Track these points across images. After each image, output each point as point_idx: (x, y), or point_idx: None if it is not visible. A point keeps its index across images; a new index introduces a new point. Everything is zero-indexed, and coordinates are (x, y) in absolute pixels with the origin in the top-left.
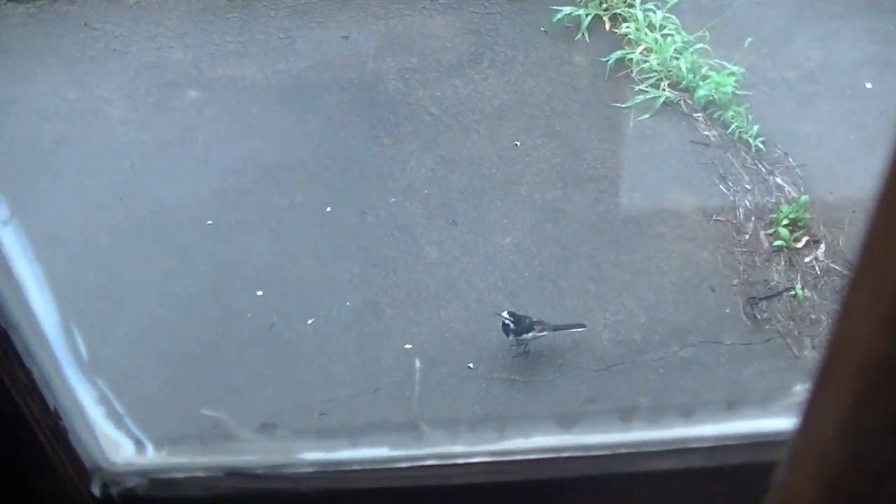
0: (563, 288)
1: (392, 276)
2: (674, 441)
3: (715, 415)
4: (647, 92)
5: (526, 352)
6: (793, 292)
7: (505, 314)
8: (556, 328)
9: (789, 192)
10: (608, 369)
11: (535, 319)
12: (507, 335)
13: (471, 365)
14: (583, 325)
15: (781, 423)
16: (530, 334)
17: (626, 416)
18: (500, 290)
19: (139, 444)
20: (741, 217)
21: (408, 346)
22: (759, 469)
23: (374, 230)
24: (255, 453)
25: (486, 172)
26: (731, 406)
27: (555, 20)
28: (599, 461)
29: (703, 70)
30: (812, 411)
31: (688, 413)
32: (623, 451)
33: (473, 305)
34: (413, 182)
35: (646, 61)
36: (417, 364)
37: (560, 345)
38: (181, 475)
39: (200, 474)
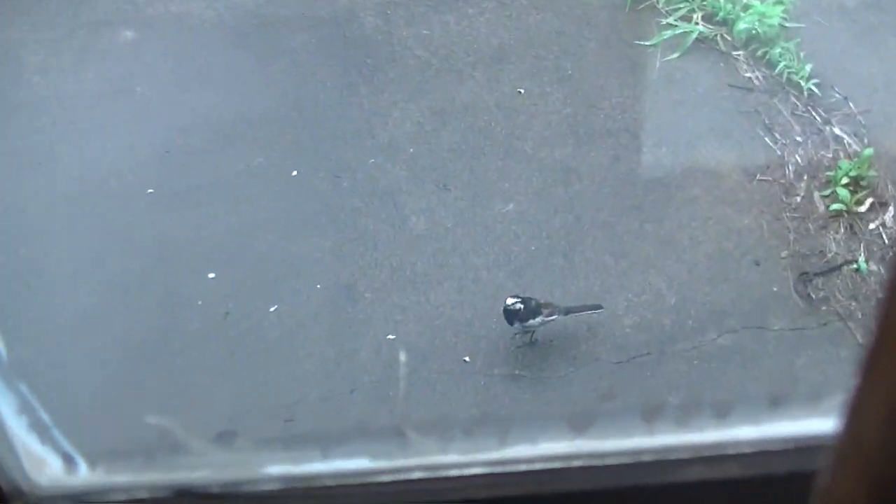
0: (577, 264)
1: (371, 253)
2: (707, 446)
3: (756, 414)
4: (675, 26)
5: (533, 341)
6: (854, 266)
7: (509, 299)
8: (568, 311)
9: (850, 145)
10: (631, 361)
11: (542, 302)
12: (511, 322)
13: (467, 358)
14: (600, 307)
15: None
16: (538, 319)
17: (651, 416)
18: (501, 268)
19: (69, 461)
20: (791, 175)
21: (391, 337)
22: (807, 479)
23: (349, 197)
24: (210, 468)
25: (484, 126)
26: (776, 403)
27: None
28: (619, 471)
29: None
30: (856, 405)
31: (723, 412)
32: (647, 458)
33: (469, 286)
34: (396, 139)
35: None
36: (403, 358)
37: (573, 332)
38: (121, 497)
39: (144, 495)
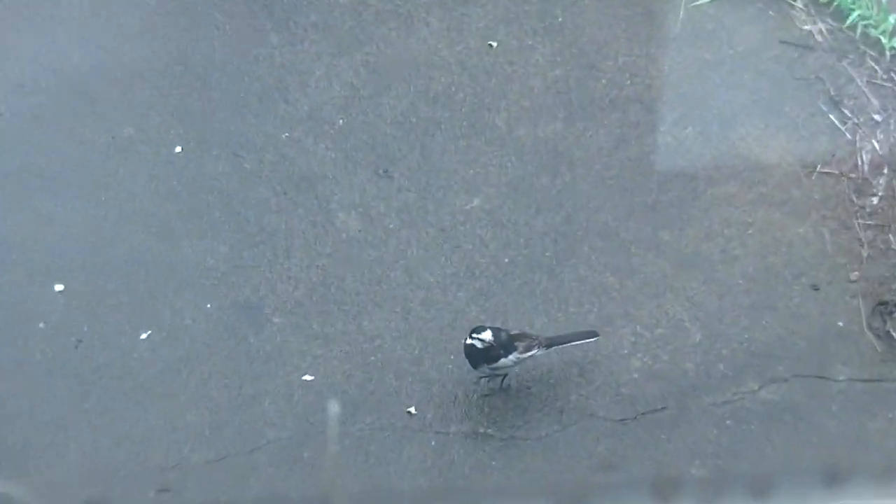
0: (566, 283)
1: (283, 262)
2: None
3: (806, 493)
4: None
5: (504, 387)
6: None
7: (480, 336)
8: (551, 344)
9: None
10: (639, 419)
11: (517, 333)
12: (475, 361)
13: (412, 410)
14: (594, 335)
15: None
16: (511, 358)
17: (666, 493)
18: (462, 287)
19: None
20: (865, 168)
21: (307, 378)
22: None
23: (253, 185)
24: None
25: (441, 92)
26: (834, 480)
27: None
28: None
29: None
30: None
31: (762, 490)
32: None
33: (417, 311)
34: (319, 106)
35: None
36: (335, 409)
37: (560, 377)
38: None
39: None
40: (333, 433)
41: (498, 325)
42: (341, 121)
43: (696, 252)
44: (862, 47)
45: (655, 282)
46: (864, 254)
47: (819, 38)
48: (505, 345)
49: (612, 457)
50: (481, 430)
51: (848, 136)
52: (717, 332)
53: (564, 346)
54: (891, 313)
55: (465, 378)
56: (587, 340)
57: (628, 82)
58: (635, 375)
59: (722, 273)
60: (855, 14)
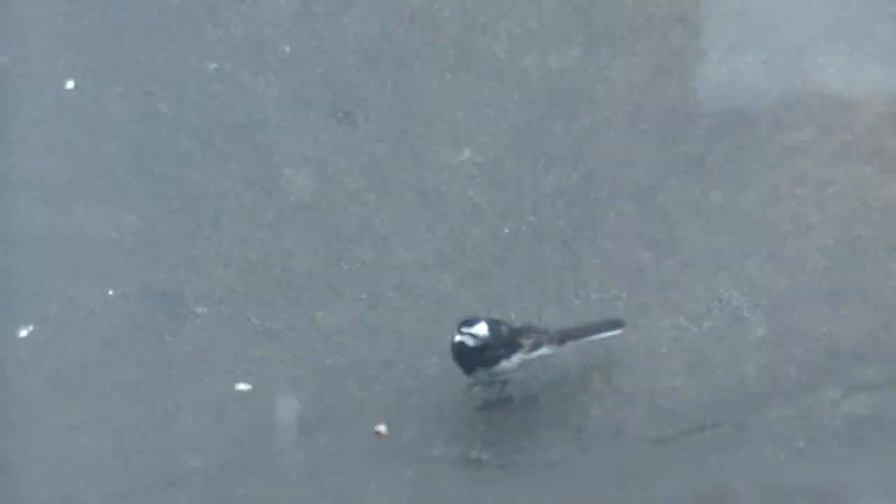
0: (585, 260)
1: (210, 235)
2: None
3: None
4: None
5: (504, 398)
6: None
7: (473, 330)
8: (564, 338)
9: None
10: (681, 439)
11: (520, 326)
12: (468, 365)
13: (382, 429)
14: (620, 325)
15: None
16: (514, 359)
17: None
18: (450, 266)
19: None
20: None
21: (242, 388)
22: None
23: (171, 132)
24: None
25: (420, 8)
26: None
27: None
28: None
29: None
30: None
31: None
32: None
33: (389, 297)
34: (258, 27)
35: None
36: (269, 420)
37: (577, 382)
38: None
39: None
40: (271, 457)
41: (496, 316)
42: (287, 48)
43: (759, 219)
44: None
45: (704, 258)
46: None
47: None
48: (505, 342)
49: (645, 486)
50: (473, 455)
51: None
52: (785, 325)
53: (583, 341)
54: None
55: (452, 386)
56: (612, 333)
57: (665, 1)
58: (677, 381)
59: (792, 247)
60: None
